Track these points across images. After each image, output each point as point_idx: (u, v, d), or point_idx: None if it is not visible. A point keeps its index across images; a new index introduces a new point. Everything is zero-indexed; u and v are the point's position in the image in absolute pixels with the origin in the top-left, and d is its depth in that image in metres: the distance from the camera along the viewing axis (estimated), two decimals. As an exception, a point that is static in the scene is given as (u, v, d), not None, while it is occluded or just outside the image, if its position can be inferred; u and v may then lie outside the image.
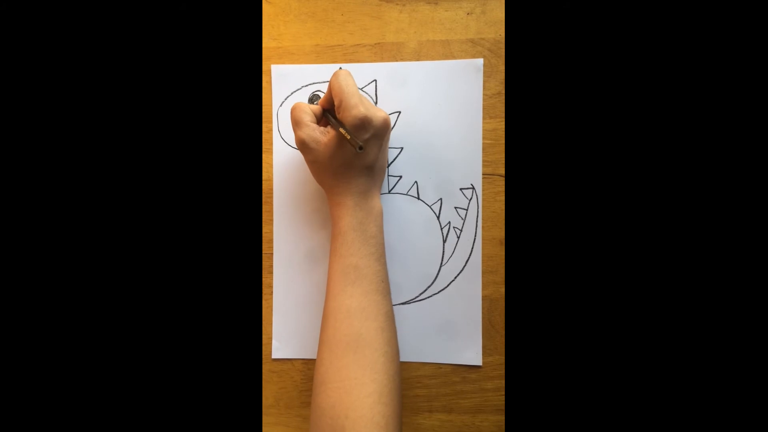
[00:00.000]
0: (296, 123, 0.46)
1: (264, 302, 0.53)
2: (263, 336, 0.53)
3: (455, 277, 0.51)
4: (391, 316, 0.46)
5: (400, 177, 0.52)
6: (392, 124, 0.52)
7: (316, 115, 0.47)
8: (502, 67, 0.51)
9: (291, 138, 0.53)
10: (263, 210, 0.53)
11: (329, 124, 0.46)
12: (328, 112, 0.47)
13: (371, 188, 0.47)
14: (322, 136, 0.45)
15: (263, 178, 0.53)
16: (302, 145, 0.46)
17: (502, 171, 0.51)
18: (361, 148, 0.42)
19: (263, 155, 0.53)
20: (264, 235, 0.53)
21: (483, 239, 0.51)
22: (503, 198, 0.51)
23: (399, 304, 0.52)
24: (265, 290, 0.53)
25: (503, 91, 0.51)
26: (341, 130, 0.43)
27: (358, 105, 0.43)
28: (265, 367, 0.53)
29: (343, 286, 0.45)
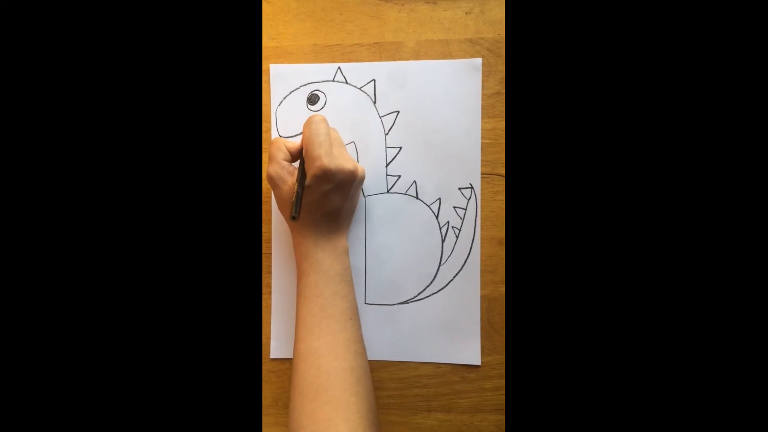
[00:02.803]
0: (270, 158, 0.46)
1: (263, 302, 0.53)
2: (262, 336, 0.53)
3: (454, 277, 0.51)
4: (362, 354, 0.47)
5: (399, 176, 0.52)
6: (392, 124, 0.52)
7: (291, 153, 0.47)
8: (501, 67, 0.51)
9: (289, 137, 0.53)
10: (262, 210, 0.53)
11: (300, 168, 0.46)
12: (302, 159, 0.46)
13: (335, 231, 0.48)
14: (290, 176, 0.45)
15: (262, 177, 0.53)
16: (270, 181, 0.46)
17: (501, 170, 0.51)
18: (294, 218, 0.42)
19: (261, 155, 0.53)
20: (263, 234, 0.53)
21: (482, 239, 0.51)
22: (502, 197, 0.51)
23: (398, 303, 0.52)
24: (264, 290, 0.53)
25: (502, 91, 0.51)
26: (296, 185, 0.44)
27: (321, 157, 0.43)
28: (265, 367, 0.53)
29: (311, 327, 0.45)
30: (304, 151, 0.45)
